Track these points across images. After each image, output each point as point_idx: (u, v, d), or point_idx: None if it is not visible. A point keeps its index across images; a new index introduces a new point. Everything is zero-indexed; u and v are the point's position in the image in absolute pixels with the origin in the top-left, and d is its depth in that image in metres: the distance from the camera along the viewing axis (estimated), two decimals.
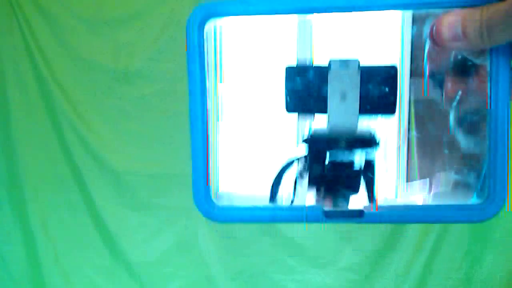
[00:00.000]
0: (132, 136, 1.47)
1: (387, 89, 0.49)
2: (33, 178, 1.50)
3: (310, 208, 0.41)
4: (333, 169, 0.50)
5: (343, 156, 0.51)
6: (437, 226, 1.21)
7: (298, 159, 0.55)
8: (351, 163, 0.51)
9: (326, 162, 0.51)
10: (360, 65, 0.48)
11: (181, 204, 1.49)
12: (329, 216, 0.41)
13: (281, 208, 0.43)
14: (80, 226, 1.52)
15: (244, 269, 1.47)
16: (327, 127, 0.48)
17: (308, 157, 0.50)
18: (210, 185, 0.40)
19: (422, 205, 0.45)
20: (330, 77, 0.47)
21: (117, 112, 1.45)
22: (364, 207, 0.41)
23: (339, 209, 0.41)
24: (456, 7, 0.36)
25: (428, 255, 1.26)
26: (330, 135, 0.48)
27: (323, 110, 0.48)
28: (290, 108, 0.49)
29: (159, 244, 1.53)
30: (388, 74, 0.50)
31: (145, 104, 1.44)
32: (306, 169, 0.53)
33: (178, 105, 1.43)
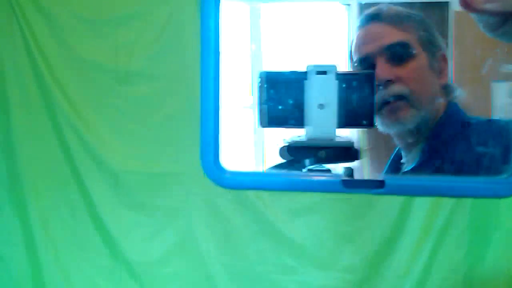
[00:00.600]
0: (132, 136, 1.47)
1: (365, 98, 0.48)
2: (33, 178, 1.50)
3: (329, 176, 0.40)
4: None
5: (321, 166, 0.50)
6: (437, 227, 1.20)
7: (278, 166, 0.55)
8: (329, 172, 0.50)
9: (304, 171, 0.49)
10: (337, 72, 0.46)
11: (181, 204, 1.49)
12: (348, 186, 0.40)
13: (297, 175, 0.42)
14: (80, 226, 1.52)
15: (244, 270, 1.47)
16: (305, 137, 0.47)
17: (285, 167, 0.49)
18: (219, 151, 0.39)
19: (445, 177, 0.43)
20: (307, 84, 0.45)
21: (116, 112, 1.45)
22: (385, 177, 0.40)
23: (359, 179, 0.40)
24: None
25: (428, 256, 1.26)
26: (308, 146, 0.47)
27: (300, 123, 0.46)
28: (264, 123, 0.47)
29: (159, 244, 1.52)
30: (366, 81, 0.49)
31: (145, 104, 1.44)
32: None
33: (178, 105, 1.42)
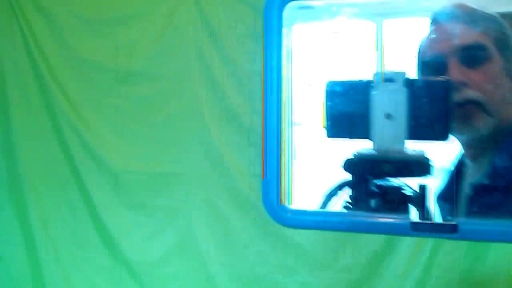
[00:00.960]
0: (132, 136, 1.47)
1: (439, 109, 0.43)
2: (33, 178, 1.50)
3: (397, 217, 0.37)
4: (379, 195, 0.44)
5: (390, 181, 0.45)
6: None
7: (343, 185, 0.50)
8: (400, 189, 0.45)
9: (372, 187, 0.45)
10: (408, 78, 0.42)
11: (181, 204, 1.49)
12: (417, 229, 0.36)
13: (362, 216, 0.39)
14: (80, 226, 1.52)
15: (244, 270, 1.47)
16: (372, 150, 0.43)
17: (352, 184, 0.45)
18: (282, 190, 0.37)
19: None
20: (373, 93, 0.41)
21: (116, 112, 1.45)
22: (458, 221, 0.36)
23: (429, 222, 0.37)
24: None
25: (428, 256, 1.25)
26: (375, 159, 0.42)
27: (365, 133, 0.42)
28: (331, 133, 0.44)
29: (159, 244, 1.52)
30: (441, 90, 0.44)
31: (144, 104, 1.44)
32: (351, 197, 0.48)
33: (177, 105, 1.42)
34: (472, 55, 0.87)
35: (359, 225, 0.37)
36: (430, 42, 0.92)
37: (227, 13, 1.38)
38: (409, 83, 0.41)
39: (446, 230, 0.36)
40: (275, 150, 0.35)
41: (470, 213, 0.87)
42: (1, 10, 1.41)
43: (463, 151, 0.94)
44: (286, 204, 0.36)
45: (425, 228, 0.35)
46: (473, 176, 0.93)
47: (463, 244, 1.20)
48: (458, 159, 0.97)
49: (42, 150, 1.48)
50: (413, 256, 1.26)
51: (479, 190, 0.89)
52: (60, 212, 1.51)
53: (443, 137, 0.44)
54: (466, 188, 0.90)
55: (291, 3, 0.34)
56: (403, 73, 0.40)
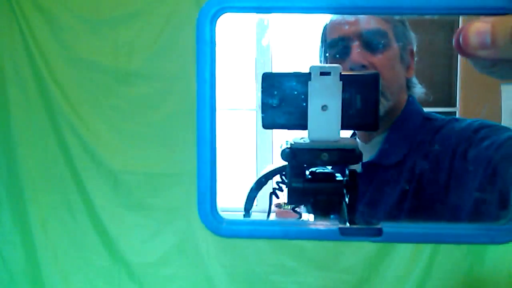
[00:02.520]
0: (132, 136, 1.47)
1: (369, 100, 0.46)
2: (33, 178, 1.50)
3: (326, 224, 0.39)
4: (313, 182, 0.47)
5: (324, 169, 0.49)
6: None
7: (277, 170, 0.53)
8: (333, 175, 0.49)
9: (307, 174, 0.48)
10: (342, 73, 0.45)
11: (181, 205, 1.48)
12: (345, 234, 0.38)
13: (294, 224, 0.41)
14: (80, 227, 1.52)
15: (243, 271, 1.47)
16: (308, 139, 0.46)
17: (287, 171, 0.48)
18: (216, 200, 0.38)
19: (442, 224, 0.42)
20: (310, 86, 0.44)
21: (116, 112, 1.45)
22: (383, 224, 0.38)
23: (356, 226, 0.39)
24: (486, 14, 0.33)
25: (428, 257, 1.25)
26: (311, 148, 0.45)
27: (303, 124, 0.45)
28: (266, 123, 0.46)
29: (159, 245, 1.52)
30: (371, 83, 0.47)
31: (144, 104, 1.44)
32: (286, 182, 0.51)
33: (177, 105, 1.42)
34: (373, 40, 0.92)
35: (290, 232, 0.38)
36: (334, 25, 0.96)
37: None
38: (344, 76, 0.43)
39: (371, 233, 0.38)
40: (208, 163, 0.37)
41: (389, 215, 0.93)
42: (1, 10, 1.41)
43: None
44: (220, 214, 0.38)
45: (352, 232, 0.37)
46: (364, 157, 0.97)
47: (463, 245, 1.20)
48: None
49: (41, 150, 1.48)
50: (413, 256, 1.26)
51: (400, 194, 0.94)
52: (59, 212, 1.51)
53: (374, 126, 0.47)
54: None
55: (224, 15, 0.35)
56: (339, 67, 0.42)
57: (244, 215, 0.55)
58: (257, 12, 0.35)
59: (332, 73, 0.43)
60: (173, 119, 1.43)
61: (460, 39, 0.34)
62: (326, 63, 0.97)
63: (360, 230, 0.40)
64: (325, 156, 0.46)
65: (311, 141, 0.45)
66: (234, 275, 1.48)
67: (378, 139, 1.00)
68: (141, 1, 1.39)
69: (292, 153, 0.46)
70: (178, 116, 1.42)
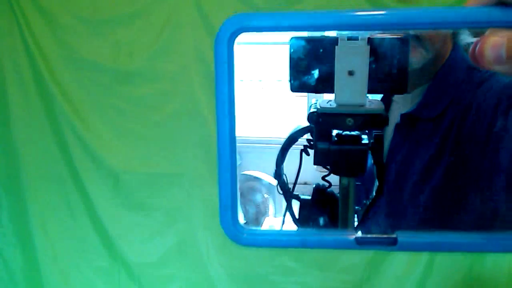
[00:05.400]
0: (132, 136, 1.47)
1: (398, 63, 0.45)
2: (32, 178, 1.50)
3: (342, 234, 0.39)
4: (339, 145, 0.48)
5: (350, 132, 0.49)
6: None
7: (307, 128, 0.53)
8: (359, 138, 0.49)
9: (333, 135, 0.49)
10: (369, 37, 0.45)
11: (181, 205, 1.48)
12: (361, 243, 0.38)
13: (312, 234, 0.41)
14: (79, 227, 1.52)
15: (243, 271, 1.47)
16: (334, 103, 0.46)
17: (314, 132, 0.49)
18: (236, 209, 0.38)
19: (461, 233, 0.41)
20: (337, 50, 0.44)
21: (116, 112, 1.45)
22: (398, 234, 0.38)
23: (371, 236, 0.39)
24: (502, 27, 0.33)
25: (428, 257, 1.25)
26: (337, 112, 0.46)
27: (330, 88, 0.45)
28: (294, 87, 0.47)
29: (159, 245, 1.52)
30: (400, 46, 0.46)
31: (144, 104, 1.44)
32: (312, 145, 0.52)
33: (177, 105, 1.42)
34: None
35: (308, 242, 0.39)
36: None
37: (227, 13, 1.39)
38: (372, 40, 0.43)
39: (387, 242, 0.38)
40: (229, 178, 0.37)
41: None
42: (1, 10, 1.41)
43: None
44: (240, 224, 0.38)
45: (368, 241, 0.38)
46: (406, 107, 0.96)
47: None
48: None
49: (41, 150, 1.48)
50: (413, 256, 1.26)
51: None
52: (58, 212, 1.51)
53: (402, 89, 0.47)
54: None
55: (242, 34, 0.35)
56: (367, 33, 0.42)
57: (275, 170, 0.55)
58: (273, 31, 0.35)
59: (359, 38, 0.43)
60: (173, 119, 1.43)
61: (476, 53, 0.34)
62: None
63: (375, 239, 0.40)
64: (350, 121, 0.46)
65: (338, 105, 0.45)
66: (234, 275, 1.48)
67: (420, 90, 0.97)
68: (141, 1, 1.39)
69: (318, 117, 0.47)
70: (178, 116, 1.42)
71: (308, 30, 0.37)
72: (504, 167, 0.77)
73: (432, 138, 0.92)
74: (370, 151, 0.49)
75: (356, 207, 0.53)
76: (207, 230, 1.47)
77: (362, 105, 0.45)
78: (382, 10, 0.32)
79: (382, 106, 0.47)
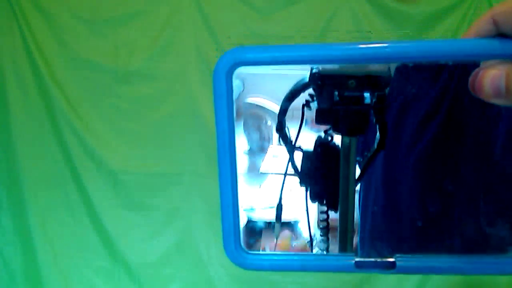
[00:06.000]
0: (132, 136, 1.47)
1: None
2: (33, 178, 1.50)
3: (342, 258, 0.39)
4: (341, 104, 0.48)
5: (352, 91, 0.48)
6: None
7: (306, 84, 0.53)
8: (361, 98, 0.49)
9: (335, 94, 0.48)
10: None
11: (181, 205, 1.48)
12: (360, 267, 0.39)
13: (312, 257, 0.41)
14: (79, 227, 1.52)
15: (244, 271, 1.46)
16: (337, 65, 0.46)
17: (315, 93, 0.48)
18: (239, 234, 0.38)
19: (455, 257, 0.41)
20: None
21: (116, 112, 1.45)
22: (396, 257, 0.38)
23: (370, 259, 0.39)
24: (501, 59, 0.32)
25: None
26: (339, 74, 0.45)
27: None
28: None
29: (159, 245, 1.52)
30: None
31: (144, 104, 1.44)
32: (315, 101, 0.51)
33: (177, 105, 1.42)
34: None
35: (308, 266, 0.39)
36: None
37: (227, 13, 1.39)
38: None
39: (384, 266, 0.39)
40: (231, 205, 0.37)
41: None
42: (1, 10, 1.41)
43: None
44: (243, 248, 0.39)
45: (367, 265, 0.38)
46: None
47: None
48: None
49: (41, 150, 1.48)
50: None
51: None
52: (58, 212, 1.51)
53: None
54: None
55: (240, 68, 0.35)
56: None
57: (276, 126, 0.55)
58: (272, 65, 0.34)
59: None
60: (173, 119, 1.43)
61: (475, 86, 0.33)
62: None
63: (374, 263, 0.41)
64: (352, 83, 0.46)
65: (340, 66, 0.45)
66: (234, 275, 1.48)
67: None
68: (141, 1, 1.39)
69: (320, 78, 0.46)
70: (178, 116, 1.42)
71: (310, 64, 0.36)
72: (503, 137, 0.74)
73: (430, 91, 0.88)
74: (372, 110, 0.49)
75: (358, 158, 0.52)
76: (207, 230, 1.47)
77: (366, 64, 0.44)
78: (383, 43, 0.33)
79: (386, 67, 0.46)
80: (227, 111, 0.35)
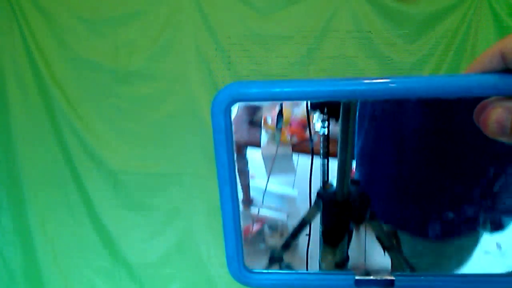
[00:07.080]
0: (132, 136, 1.47)
1: None
2: (33, 178, 1.50)
3: (343, 275, 0.40)
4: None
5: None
6: None
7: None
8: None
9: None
10: None
11: (181, 205, 1.48)
12: (359, 285, 0.39)
13: (314, 274, 0.41)
14: (79, 227, 1.52)
15: None
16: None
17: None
18: (242, 253, 0.39)
19: (454, 276, 0.41)
20: None
21: (116, 112, 1.45)
22: (394, 275, 0.39)
23: (370, 277, 0.40)
24: (507, 95, 0.31)
25: None
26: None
27: None
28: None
29: (159, 245, 1.52)
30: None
31: (144, 104, 1.44)
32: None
33: (177, 105, 1.42)
34: None
35: (310, 286, 0.40)
36: None
37: (227, 13, 1.39)
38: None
39: (384, 284, 0.39)
40: (232, 228, 0.37)
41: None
42: (1, 10, 1.41)
43: None
44: (247, 266, 0.39)
45: (366, 283, 0.39)
46: None
47: None
48: None
49: (41, 150, 1.48)
50: None
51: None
52: (58, 212, 1.51)
53: None
54: None
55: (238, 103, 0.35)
56: None
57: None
58: (270, 100, 0.34)
59: None
60: (173, 119, 1.43)
61: (481, 124, 0.33)
62: None
63: (374, 281, 0.41)
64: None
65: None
66: None
67: None
68: (141, 1, 1.39)
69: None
70: (178, 116, 1.42)
71: (312, 100, 0.36)
72: None
73: None
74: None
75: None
76: (207, 230, 1.47)
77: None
78: (385, 79, 0.32)
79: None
80: (226, 145, 0.36)
